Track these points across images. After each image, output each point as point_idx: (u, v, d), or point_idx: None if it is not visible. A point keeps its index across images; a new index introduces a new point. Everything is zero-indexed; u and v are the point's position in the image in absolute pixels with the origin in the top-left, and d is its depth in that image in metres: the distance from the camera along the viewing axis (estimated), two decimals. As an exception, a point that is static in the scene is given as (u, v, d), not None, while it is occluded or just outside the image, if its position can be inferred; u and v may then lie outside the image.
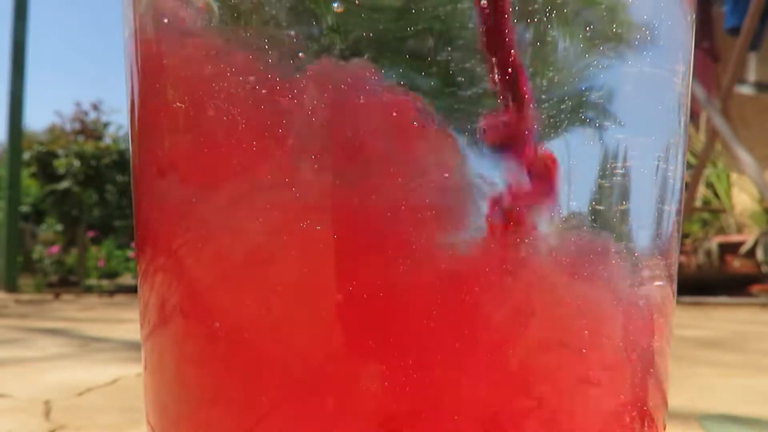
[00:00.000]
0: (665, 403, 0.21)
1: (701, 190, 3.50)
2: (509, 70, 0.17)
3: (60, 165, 4.08)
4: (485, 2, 0.17)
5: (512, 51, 0.17)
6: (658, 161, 0.20)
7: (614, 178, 0.19)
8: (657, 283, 0.20)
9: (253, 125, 0.18)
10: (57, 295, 3.00)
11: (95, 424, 0.47)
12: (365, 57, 0.17)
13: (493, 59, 0.17)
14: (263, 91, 0.17)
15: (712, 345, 1.04)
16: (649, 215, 0.20)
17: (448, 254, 0.17)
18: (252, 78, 0.18)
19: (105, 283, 4.16)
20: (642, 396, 0.20)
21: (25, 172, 4.17)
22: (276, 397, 0.18)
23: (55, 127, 4.71)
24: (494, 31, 0.17)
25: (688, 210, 2.44)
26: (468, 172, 0.17)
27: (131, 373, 0.71)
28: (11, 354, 0.91)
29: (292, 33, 0.17)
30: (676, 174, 0.21)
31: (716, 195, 3.72)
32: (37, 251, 4.40)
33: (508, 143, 0.17)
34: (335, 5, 0.17)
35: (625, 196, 0.19)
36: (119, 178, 4.20)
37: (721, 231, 3.48)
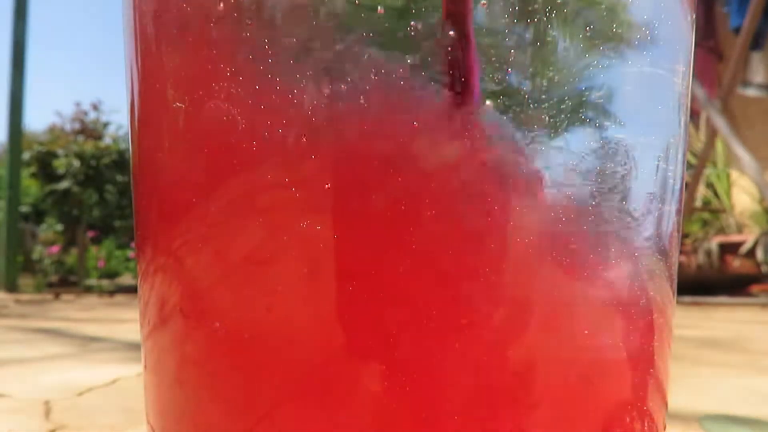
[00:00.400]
0: (665, 403, 0.21)
1: (701, 190, 3.50)
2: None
3: (60, 165, 4.08)
4: None
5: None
6: (658, 161, 0.20)
7: (614, 178, 0.19)
8: (657, 283, 0.20)
9: (253, 125, 0.18)
10: (57, 295, 3.00)
11: (95, 424, 0.47)
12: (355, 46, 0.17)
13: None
14: (263, 91, 0.17)
15: (712, 345, 1.04)
16: (649, 215, 0.20)
17: (447, 254, 0.17)
18: (252, 77, 0.18)
19: (105, 283, 4.15)
20: (642, 396, 0.20)
21: (25, 172, 4.17)
22: (276, 397, 0.18)
23: (55, 127, 4.71)
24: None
25: (688, 210, 2.44)
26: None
27: (131, 373, 0.71)
28: (11, 354, 0.91)
29: (292, 32, 0.17)
30: (676, 174, 0.21)
31: (716, 195, 3.72)
32: (37, 251, 4.40)
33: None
34: None
35: (625, 195, 0.19)
36: (119, 178, 4.20)
37: (721, 231, 3.48)
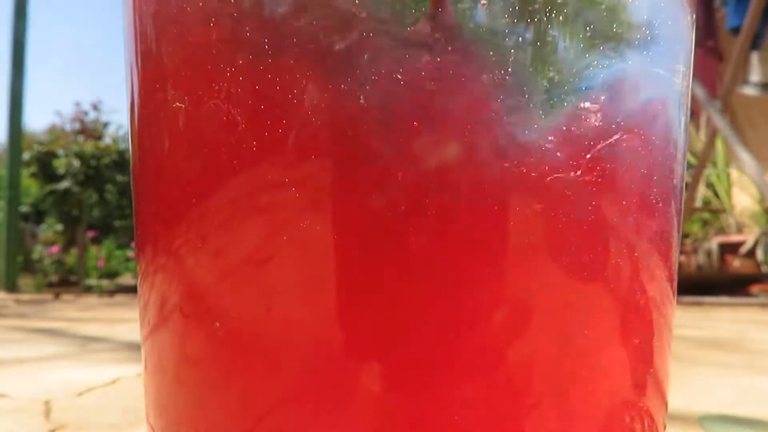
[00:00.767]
0: (665, 403, 0.21)
1: (701, 190, 3.50)
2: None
3: (60, 165, 4.08)
4: None
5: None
6: (659, 161, 0.20)
7: (614, 178, 0.19)
8: (657, 283, 0.20)
9: (253, 124, 0.18)
10: (57, 295, 3.00)
11: (95, 424, 0.47)
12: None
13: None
14: (263, 91, 0.17)
15: (712, 345, 1.04)
16: (649, 215, 0.20)
17: (447, 254, 0.17)
18: (252, 77, 0.18)
19: (105, 283, 4.15)
20: (642, 396, 0.20)
21: (25, 172, 4.17)
22: (276, 397, 0.18)
23: (54, 127, 4.71)
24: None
25: (688, 210, 2.44)
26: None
27: (131, 373, 0.71)
28: (11, 354, 0.91)
29: (291, 31, 0.17)
30: (677, 174, 0.21)
31: (716, 195, 3.72)
32: (37, 251, 4.40)
33: None
34: None
35: (624, 195, 0.19)
36: (119, 178, 4.20)
37: (721, 231, 3.48)
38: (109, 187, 4.27)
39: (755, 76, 2.31)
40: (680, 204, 0.22)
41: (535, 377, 0.18)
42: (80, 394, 0.59)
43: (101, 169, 4.14)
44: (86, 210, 4.32)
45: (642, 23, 0.19)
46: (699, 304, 2.09)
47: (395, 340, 0.17)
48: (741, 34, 2.08)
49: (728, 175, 3.71)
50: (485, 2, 0.17)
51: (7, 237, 3.35)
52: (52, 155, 4.15)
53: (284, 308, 0.18)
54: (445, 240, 0.17)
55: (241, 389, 0.18)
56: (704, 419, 0.40)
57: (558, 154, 0.18)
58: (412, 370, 0.17)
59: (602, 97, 0.18)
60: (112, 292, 3.28)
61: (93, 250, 4.64)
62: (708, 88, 2.22)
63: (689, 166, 2.10)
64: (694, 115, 2.57)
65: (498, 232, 0.17)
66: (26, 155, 4.07)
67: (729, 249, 3.11)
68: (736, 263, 3.02)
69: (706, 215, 3.59)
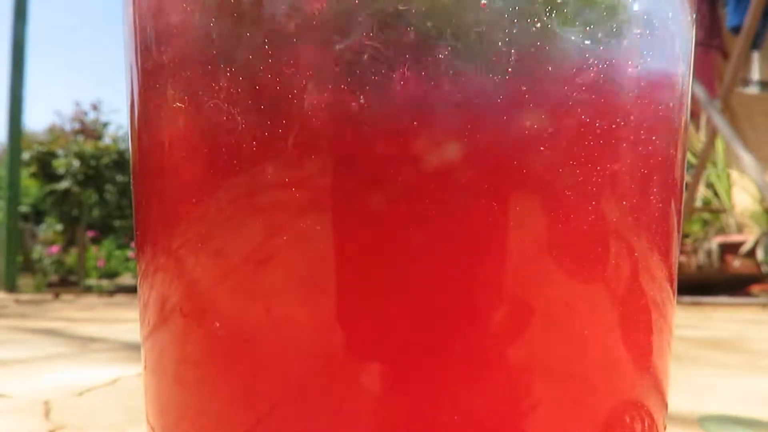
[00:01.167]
0: (665, 404, 0.21)
1: (701, 190, 3.50)
2: None
3: (60, 165, 4.08)
4: None
5: None
6: (659, 161, 0.20)
7: (614, 178, 0.18)
8: (657, 283, 0.20)
9: (253, 125, 0.18)
10: (57, 295, 3.00)
11: (95, 424, 0.47)
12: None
13: None
14: (263, 91, 0.17)
15: (712, 345, 1.04)
16: (649, 215, 0.20)
17: (447, 254, 0.17)
18: (252, 77, 0.18)
19: (105, 283, 4.15)
20: (642, 396, 0.20)
21: (25, 172, 4.17)
22: (276, 397, 0.18)
23: (54, 127, 4.71)
24: None
25: (688, 210, 2.44)
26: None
27: (131, 373, 0.71)
28: (11, 354, 0.91)
29: (291, 31, 0.17)
30: (677, 174, 0.21)
31: (716, 195, 3.72)
32: (37, 251, 4.40)
33: None
34: None
35: (624, 195, 0.19)
36: (119, 178, 4.20)
37: (721, 231, 3.48)
38: (108, 187, 4.27)
39: (756, 74, 2.32)
40: (680, 204, 0.22)
41: (535, 377, 0.18)
42: (80, 394, 0.59)
43: (101, 169, 4.14)
44: (86, 210, 4.32)
45: (642, 22, 0.19)
46: (699, 304, 2.09)
47: (395, 340, 0.17)
48: (741, 33, 2.08)
49: (728, 175, 3.71)
50: (485, 2, 0.17)
51: (7, 237, 3.35)
52: (52, 155, 4.15)
53: (284, 308, 0.18)
54: (444, 240, 0.17)
55: (241, 389, 0.18)
56: (704, 419, 0.40)
57: (558, 154, 0.18)
58: (412, 370, 0.17)
59: (602, 97, 0.18)
60: (111, 292, 3.28)
61: (93, 250, 4.64)
62: (708, 88, 2.22)
63: (689, 166, 2.10)
64: (694, 115, 2.57)
65: (498, 232, 0.17)
66: (26, 155, 4.07)
67: (729, 249, 3.11)
68: (736, 263, 3.02)
69: (706, 215, 3.59)
